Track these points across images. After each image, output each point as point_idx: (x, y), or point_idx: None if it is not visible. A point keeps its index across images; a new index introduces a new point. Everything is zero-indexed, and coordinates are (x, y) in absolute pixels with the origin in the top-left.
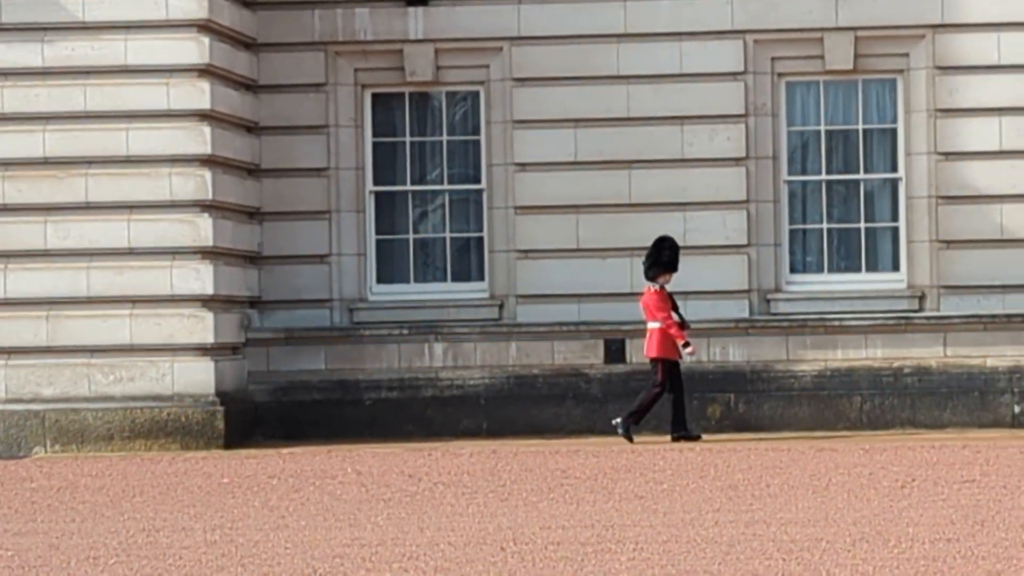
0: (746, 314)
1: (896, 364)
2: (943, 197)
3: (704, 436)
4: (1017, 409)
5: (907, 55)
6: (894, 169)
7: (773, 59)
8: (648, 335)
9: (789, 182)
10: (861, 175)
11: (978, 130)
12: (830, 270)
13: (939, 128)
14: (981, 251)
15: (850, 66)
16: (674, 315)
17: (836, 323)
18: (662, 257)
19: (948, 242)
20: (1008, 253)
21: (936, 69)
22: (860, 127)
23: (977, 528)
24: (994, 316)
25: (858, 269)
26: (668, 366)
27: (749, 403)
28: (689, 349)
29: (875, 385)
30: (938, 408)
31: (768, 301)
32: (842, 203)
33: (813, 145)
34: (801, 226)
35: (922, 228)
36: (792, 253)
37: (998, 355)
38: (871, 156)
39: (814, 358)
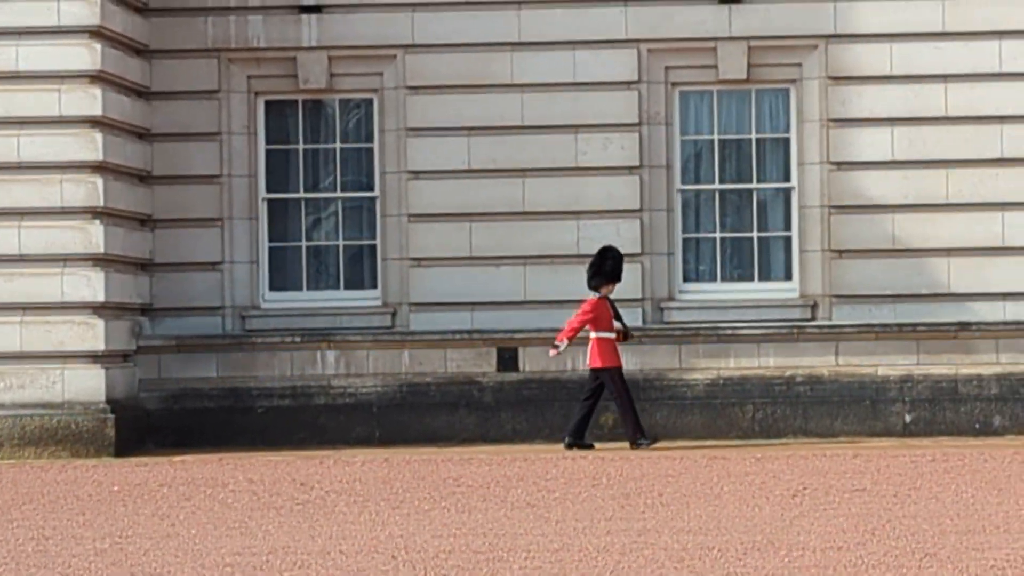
0: (639, 323)
1: (788, 373)
2: (835, 207)
3: (597, 445)
4: (908, 418)
5: (800, 65)
6: (787, 179)
7: (667, 68)
8: (591, 345)
9: (682, 191)
10: (754, 184)
11: (870, 140)
12: (723, 279)
13: (832, 138)
14: (873, 260)
15: (743, 76)
16: (617, 324)
17: (729, 332)
18: (605, 267)
19: (840, 251)
20: (899, 262)
21: (829, 79)
22: (753, 137)
23: (868, 537)
24: (885, 325)
25: (751, 278)
26: (614, 373)
27: (642, 411)
28: (552, 352)
29: (767, 394)
30: (830, 417)
31: (661, 310)
32: (735, 212)
33: (706, 154)
34: (694, 235)
35: (814, 237)
36: (685, 262)
37: (889, 364)
38: (764, 166)
39: (707, 367)
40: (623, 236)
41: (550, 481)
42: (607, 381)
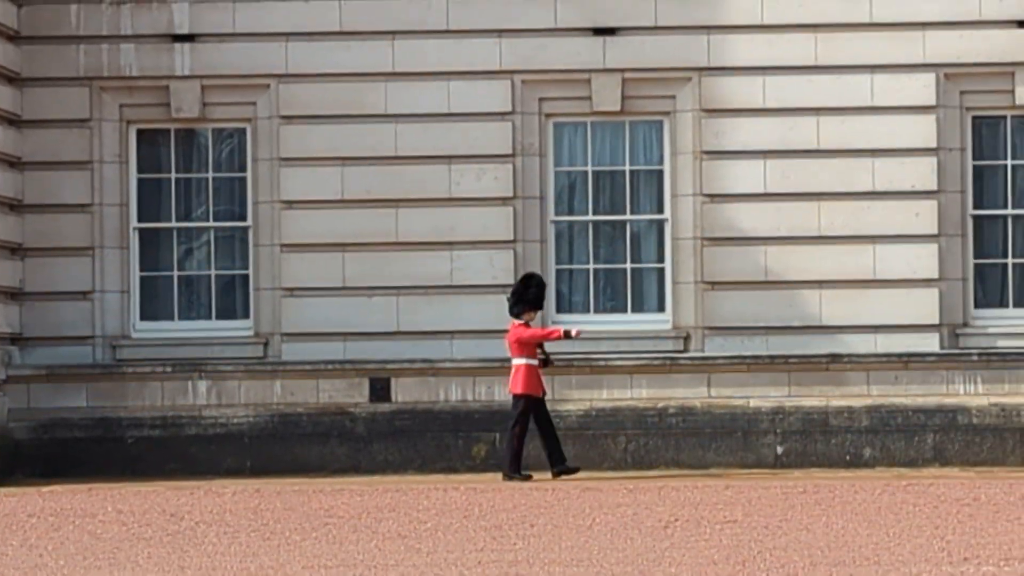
0: (509, 354)
1: (661, 404)
2: (708, 239)
3: (469, 476)
4: (779, 450)
5: (674, 97)
6: (660, 210)
7: (541, 99)
8: (513, 371)
9: (556, 222)
10: (627, 216)
11: (743, 172)
12: (596, 310)
13: (705, 170)
14: (745, 292)
15: (617, 107)
16: (538, 351)
17: (602, 363)
18: (528, 295)
19: (713, 283)
20: (772, 295)
21: (702, 111)
22: (627, 168)
23: (738, 568)
24: (757, 357)
25: (624, 309)
26: (531, 402)
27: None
28: (575, 331)
29: (640, 425)
30: (702, 448)
31: None
32: (608, 244)
33: (580, 186)
34: (568, 266)
35: (687, 269)
36: (559, 293)
37: (761, 396)
38: (638, 197)
39: (580, 397)
40: (496, 267)
41: (422, 512)
42: (517, 406)
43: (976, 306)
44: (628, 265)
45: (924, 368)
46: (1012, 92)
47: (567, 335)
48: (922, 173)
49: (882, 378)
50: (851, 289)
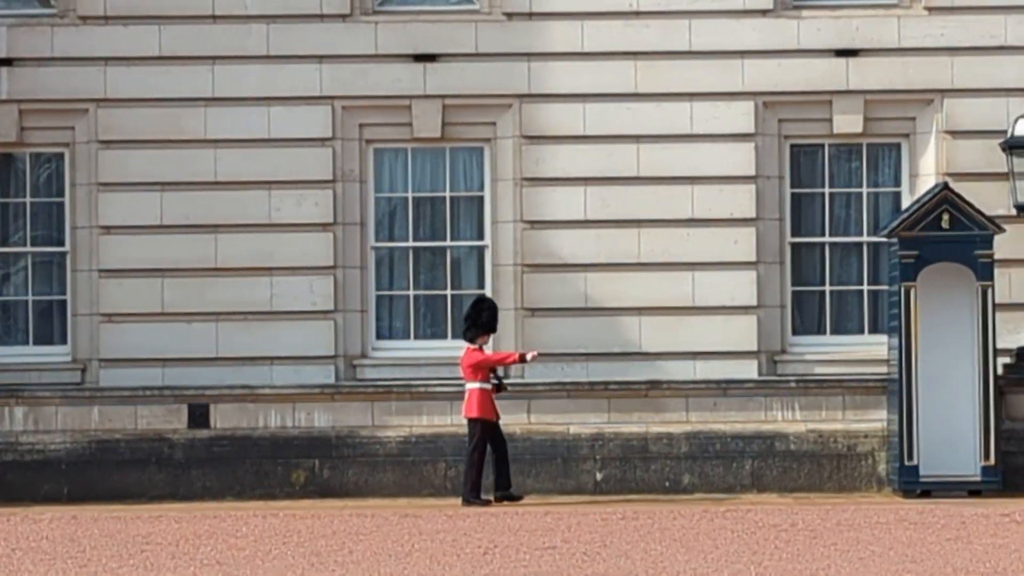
0: (332, 380)
1: None
2: (529, 265)
3: (288, 502)
4: (599, 476)
5: (494, 124)
6: (481, 237)
7: (361, 125)
8: (467, 396)
9: (376, 248)
10: (448, 242)
11: (564, 199)
12: (416, 336)
13: (525, 197)
14: (565, 319)
15: (438, 134)
16: (492, 376)
17: (422, 389)
18: (481, 319)
19: (533, 310)
20: (592, 321)
21: (523, 138)
22: (447, 194)
23: None
24: (578, 383)
25: (444, 336)
26: (487, 426)
27: (334, 469)
28: (530, 355)
29: (460, 451)
30: (522, 474)
31: (354, 367)
32: (429, 270)
33: (401, 211)
34: (388, 292)
35: (508, 296)
36: (379, 319)
37: (581, 422)
38: (458, 223)
39: (399, 424)
40: (316, 292)
41: (240, 539)
42: (474, 431)
43: (794, 333)
44: (448, 291)
45: (742, 394)
46: (830, 120)
47: (522, 359)
48: (741, 201)
49: (701, 404)
50: (670, 316)
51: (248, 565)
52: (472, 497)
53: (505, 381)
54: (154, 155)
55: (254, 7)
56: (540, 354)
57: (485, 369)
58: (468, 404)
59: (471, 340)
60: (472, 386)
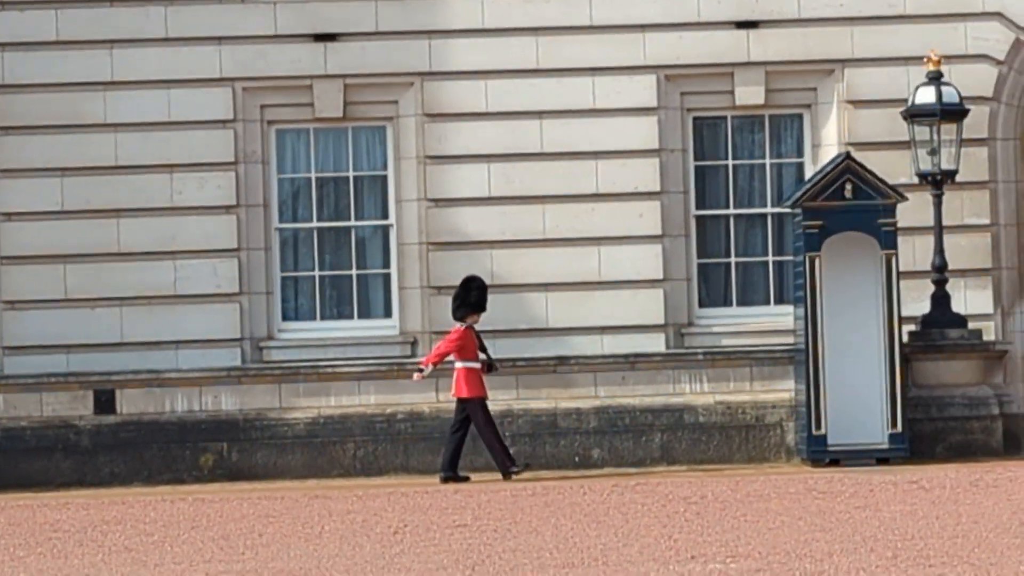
0: (238, 362)
1: (390, 410)
2: (434, 243)
3: (197, 487)
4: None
5: (396, 102)
6: (385, 216)
7: (263, 107)
8: (456, 375)
9: (280, 229)
10: (352, 222)
11: (467, 177)
12: (323, 317)
13: (429, 175)
14: None
15: (340, 114)
16: (482, 355)
17: (329, 370)
18: (470, 298)
19: (439, 288)
20: (499, 298)
21: (425, 116)
22: (351, 174)
23: (468, 572)
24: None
25: (351, 316)
26: (478, 404)
27: (243, 452)
28: (416, 376)
29: (369, 431)
30: (431, 453)
31: (261, 349)
32: (334, 250)
33: (304, 192)
34: (293, 273)
35: (413, 274)
36: (284, 300)
37: (490, 399)
38: (362, 203)
39: (308, 405)
40: (221, 276)
41: (148, 524)
42: (471, 412)
43: (700, 305)
44: (354, 271)
45: (650, 368)
46: (732, 93)
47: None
48: (644, 175)
49: (609, 379)
50: (577, 291)
51: (157, 550)
52: (510, 467)
53: (495, 360)
54: (54, 140)
55: None
56: (447, 332)
57: (472, 349)
58: (458, 384)
59: (461, 319)
60: (460, 365)
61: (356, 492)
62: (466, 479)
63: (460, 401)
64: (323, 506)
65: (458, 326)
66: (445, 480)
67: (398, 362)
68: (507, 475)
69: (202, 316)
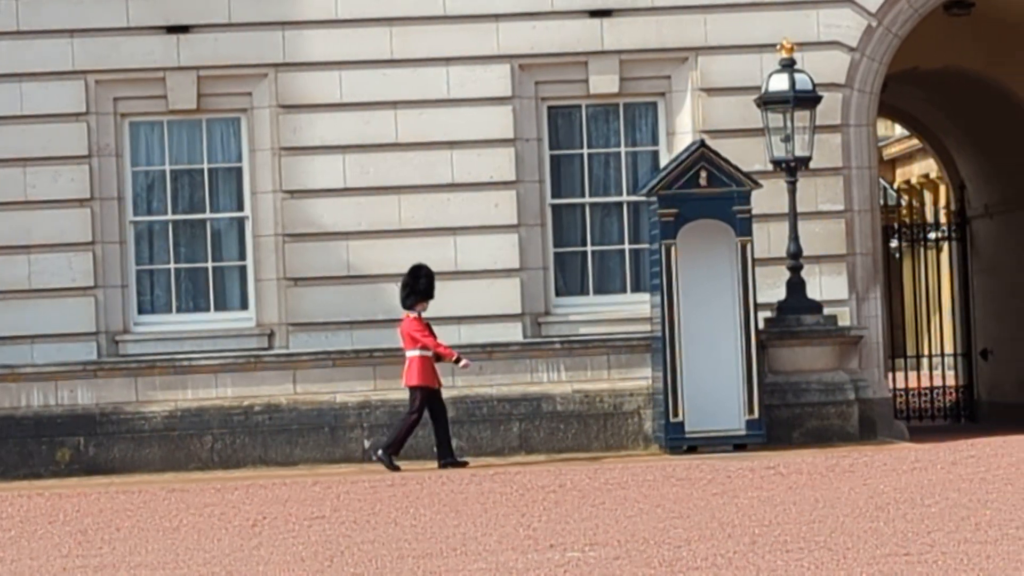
0: (94, 356)
1: (247, 402)
2: (290, 235)
3: (54, 481)
4: (367, 444)
5: (250, 94)
6: (240, 208)
7: (116, 99)
8: (408, 363)
9: (135, 223)
10: (208, 215)
11: (323, 168)
12: (179, 310)
13: (284, 166)
14: (328, 288)
15: (194, 106)
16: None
17: (186, 363)
18: (419, 286)
19: (296, 279)
20: (354, 289)
21: (280, 108)
22: (206, 166)
23: (327, 564)
24: (343, 352)
25: (207, 308)
26: (427, 394)
27: (99, 446)
28: (463, 363)
29: (226, 424)
30: (289, 445)
31: (117, 343)
32: (189, 243)
33: (159, 185)
34: (148, 266)
35: (269, 266)
36: (140, 294)
37: (347, 391)
38: (217, 195)
39: (164, 399)
40: (76, 270)
41: (5, 520)
42: (413, 398)
43: (557, 294)
44: (209, 264)
45: (508, 357)
46: (586, 81)
47: (456, 361)
48: (500, 164)
49: (466, 369)
50: (437, 281)
51: (14, 546)
52: (387, 456)
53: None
54: None
55: None
56: (303, 323)
57: (429, 334)
58: (408, 372)
59: (410, 308)
60: (412, 354)
61: (214, 485)
62: (464, 464)
63: (412, 389)
64: (181, 499)
65: (408, 315)
66: (444, 467)
67: (255, 354)
68: (378, 458)
69: (57, 310)
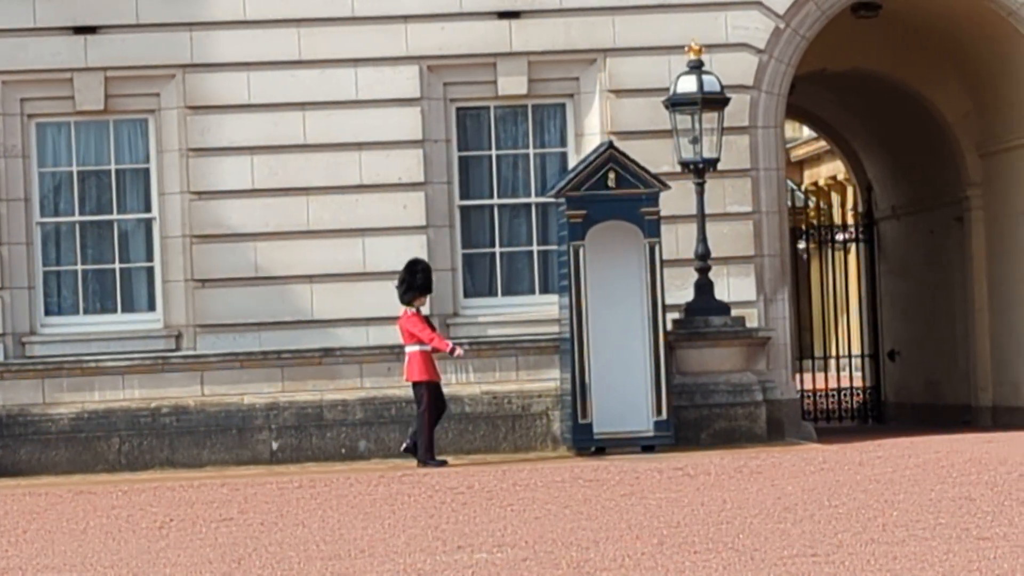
0: (1, 358)
1: (154, 404)
2: (198, 236)
3: None
4: (275, 445)
5: (158, 95)
6: (148, 209)
7: (23, 100)
8: (408, 359)
9: (42, 224)
10: (115, 216)
11: (231, 169)
12: (86, 312)
13: (192, 168)
14: (237, 289)
15: (101, 107)
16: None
17: (93, 364)
18: (416, 281)
19: (204, 281)
20: (263, 291)
21: (188, 109)
22: (113, 167)
23: (234, 566)
24: (251, 353)
25: (114, 310)
26: (432, 387)
27: (6, 448)
28: (458, 352)
29: (133, 426)
30: (197, 447)
31: (23, 344)
32: (96, 244)
33: (66, 186)
34: (55, 268)
35: (177, 268)
36: (47, 295)
37: (255, 392)
38: (125, 196)
39: (71, 400)
40: None
41: None
42: (417, 394)
43: (465, 296)
44: (117, 265)
45: None
46: (495, 83)
47: (451, 352)
48: (409, 165)
49: (375, 370)
50: (342, 283)
51: None
52: (428, 459)
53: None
54: None
55: None
56: (211, 325)
57: (428, 328)
58: (410, 368)
59: (408, 303)
60: (412, 349)
61: (121, 487)
62: (444, 463)
63: (415, 385)
64: (88, 501)
65: (406, 311)
66: (408, 452)
67: (162, 356)
68: (422, 463)
69: None
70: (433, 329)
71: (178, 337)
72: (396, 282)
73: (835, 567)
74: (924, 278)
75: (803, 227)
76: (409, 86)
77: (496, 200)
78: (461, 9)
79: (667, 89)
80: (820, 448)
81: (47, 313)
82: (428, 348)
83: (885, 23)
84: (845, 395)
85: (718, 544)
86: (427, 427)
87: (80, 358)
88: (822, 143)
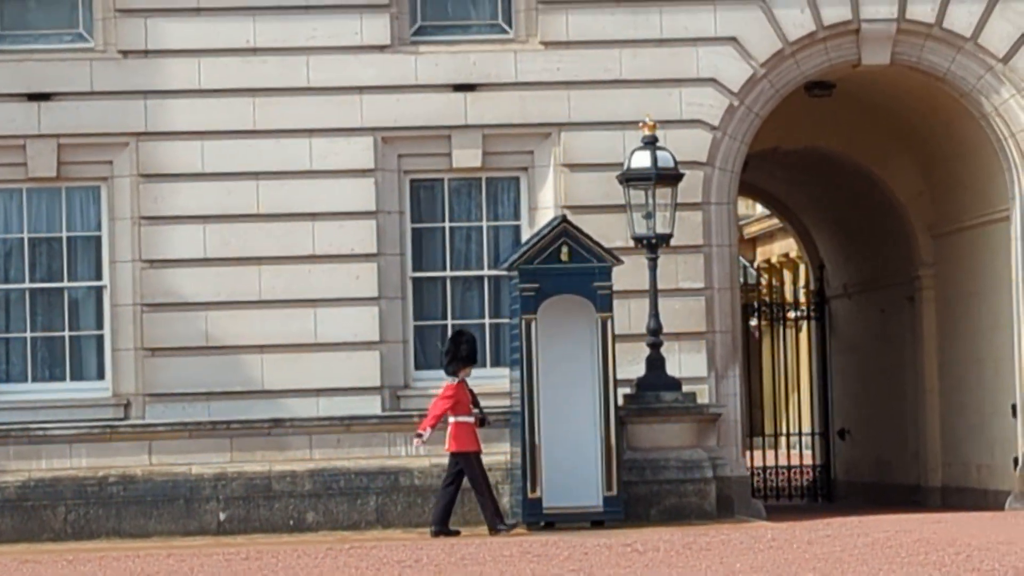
0: None
1: (101, 473)
2: (148, 305)
3: None
4: (222, 516)
5: (111, 163)
6: (99, 277)
7: None
8: (449, 429)
9: None
10: (66, 283)
11: (183, 237)
12: (35, 379)
13: (144, 236)
14: (187, 358)
15: (54, 173)
16: (475, 410)
17: (40, 432)
18: (460, 351)
19: (154, 350)
20: (213, 360)
21: (141, 176)
22: (64, 235)
23: None
24: (199, 423)
25: (63, 378)
26: (471, 458)
27: None
28: (416, 442)
29: (80, 495)
30: (144, 517)
31: None
32: (47, 311)
33: (17, 253)
34: (5, 335)
35: (127, 336)
36: None
37: (204, 462)
38: (76, 264)
39: (18, 468)
40: None
41: None
42: (465, 466)
43: (417, 368)
44: (67, 332)
45: (366, 431)
46: (449, 155)
47: (417, 435)
48: (362, 236)
49: (325, 441)
50: (293, 353)
51: None
52: (498, 524)
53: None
54: None
55: None
56: (160, 394)
57: (465, 404)
58: (451, 439)
59: (453, 374)
60: (454, 420)
61: (67, 556)
62: (456, 533)
63: (453, 455)
64: (33, 571)
65: (450, 381)
66: (436, 534)
67: (110, 424)
68: (494, 531)
69: None
70: (475, 404)
71: (127, 406)
72: (440, 353)
73: None
74: (875, 357)
75: (755, 304)
76: (363, 157)
77: (449, 272)
78: (416, 81)
79: (621, 164)
80: (769, 526)
81: None
82: (470, 420)
83: (839, 102)
84: (795, 473)
85: None
86: (486, 495)
87: (27, 426)
88: (775, 220)
